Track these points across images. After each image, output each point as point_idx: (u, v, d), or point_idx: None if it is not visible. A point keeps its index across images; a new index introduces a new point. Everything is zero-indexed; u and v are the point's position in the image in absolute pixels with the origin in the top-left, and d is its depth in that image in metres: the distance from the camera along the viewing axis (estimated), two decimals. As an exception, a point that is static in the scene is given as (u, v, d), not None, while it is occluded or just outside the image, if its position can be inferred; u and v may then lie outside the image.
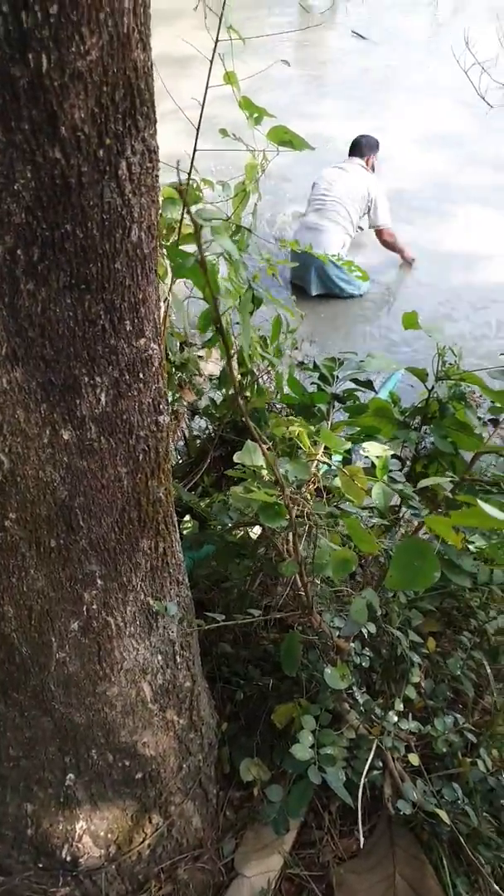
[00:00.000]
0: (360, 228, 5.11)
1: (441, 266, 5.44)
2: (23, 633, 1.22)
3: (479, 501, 0.77)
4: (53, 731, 1.35)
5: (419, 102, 7.57)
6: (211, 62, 1.57)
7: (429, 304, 5.09)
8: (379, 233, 5.15)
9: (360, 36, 9.01)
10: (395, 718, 1.47)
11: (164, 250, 1.81)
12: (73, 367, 0.99)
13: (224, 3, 1.57)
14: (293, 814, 1.44)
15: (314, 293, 5.08)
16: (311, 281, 5.02)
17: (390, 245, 5.22)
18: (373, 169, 5.22)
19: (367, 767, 1.42)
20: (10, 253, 0.87)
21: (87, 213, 0.88)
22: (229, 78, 1.63)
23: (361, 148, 5.16)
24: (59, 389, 1.00)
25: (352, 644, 1.46)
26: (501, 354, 1.63)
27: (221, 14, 1.58)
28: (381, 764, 1.53)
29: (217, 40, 1.55)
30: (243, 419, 2.45)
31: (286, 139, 1.73)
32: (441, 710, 1.65)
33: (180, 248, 1.11)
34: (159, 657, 1.34)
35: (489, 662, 1.85)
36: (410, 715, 1.57)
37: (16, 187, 0.82)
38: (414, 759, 1.51)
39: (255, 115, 1.69)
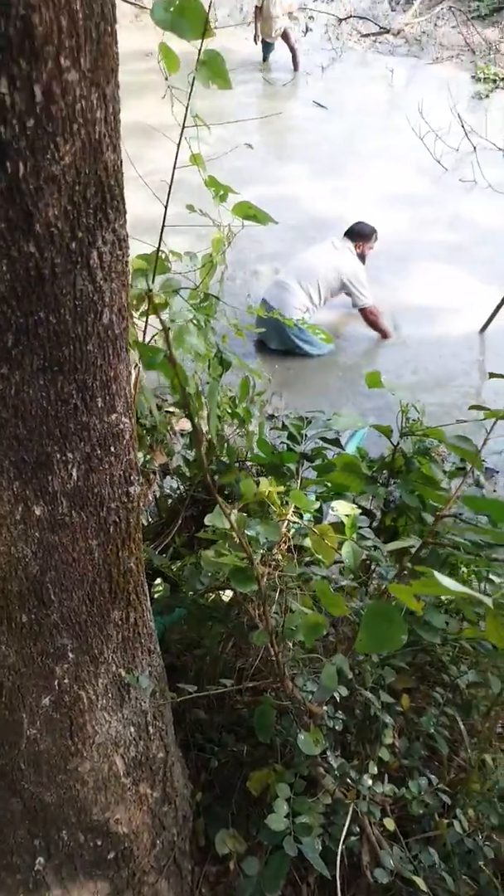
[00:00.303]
0: (325, 300, 5.24)
1: (405, 320, 5.61)
2: (-7, 710, 1.21)
3: (435, 573, 0.81)
4: (23, 813, 1.32)
5: (378, 166, 7.89)
6: (178, 146, 1.65)
7: (394, 359, 5.24)
8: (362, 313, 5.31)
9: (321, 105, 9.40)
10: (370, 782, 1.47)
11: (135, 320, 1.86)
12: (46, 444, 1.01)
13: (191, 87, 1.66)
14: (270, 889, 1.41)
15: (272, 347, 5.24)
16: (271, 337, 5.17)
17: (373, 323, 5.36)
18: (362, 257, 5.34)
19: (343, 834, 1.41)
20: (-16, 340, 0.90)
21: (61, 301, 0.92)
22: (195, 160, 1.71)
23: (353, 233, 5.32)
24: (32, 466, 1.02)
25: (324, 708, 1.47)
26: (470, 408, 1.69)
27: (189, 95, 1.67)
28: (358, 829, 1.52)
29: (184, 126, 1.63)
30: (213, 479, 2.49)
31: (251, 213, 1.81)
32: (416, 770, 1.65)
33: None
34: (132, 729, 1.33)
35: (462, 718, 1.87)
36: (386, 777, 1.57)
37: (-9, 280, 0.86)
38: (389, 823, 1.50)
39: (221, 192, 1.77)
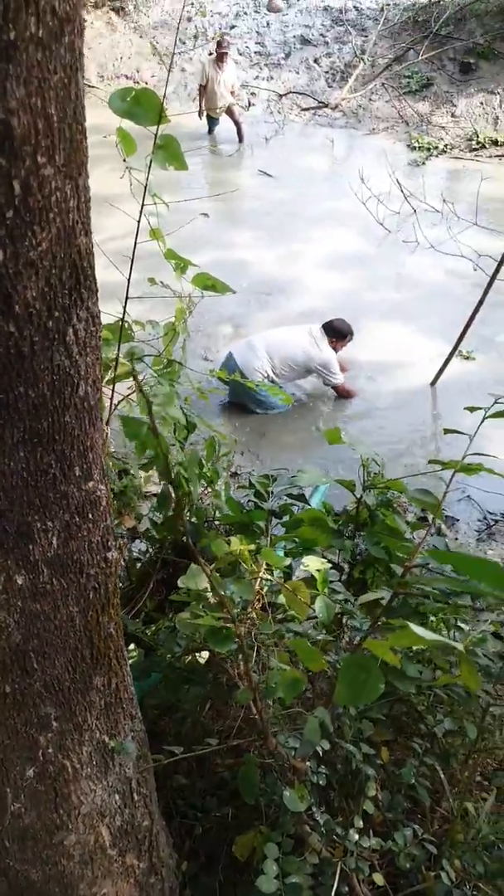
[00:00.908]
0: (283, 377, 5.37)
1: (360, 376, 5.78)
2: (-25, 786, 1.20)
3: (409, 624, 0.84)
4: (7, 894, 1.29)
5: (325, 230, 8.22)
6: (138, 221, 1.73)
7: (356, 411, 5.39)
8: (335, 389, 5.52)
9: (267, 174, 9.80)
10: (357, 836, 1.46)
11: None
12: (27, 514, 1.04)
13: (148, 168, 1.75)
14: None
15: (230, 399, 5.38)
16: (231, 390, 5.32)
17: (345, 395, 5.58)
18: (334, 351, 5.48)
19: (332, 894, 1.40)
20: (-34, 417, 0.94)
21: (39, 376, 0.97)
22: (155, 234, 1.80)
23: (331, 329, 5.45)
24: (13, 536, 1.04)
25: (307, 763, 1.48)
26: (429, 462, 1.77)
27: (147, 176, 1.77)
28: (347, 888, 1.51)
29: (143, 203, 1.72)
30: (185, 540, 2.50)
31: (209, 284, 1.89)
32: (400, 823, 1.65)
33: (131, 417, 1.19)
34: (117, 797, 1.32)
35: (442, 767, 1.88)
36: (371, 831, 1.57)
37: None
38: (379, 878, 1.50)
39: (181, 264, 1.86)
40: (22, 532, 1.04)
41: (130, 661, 2.13)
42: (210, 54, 11.25)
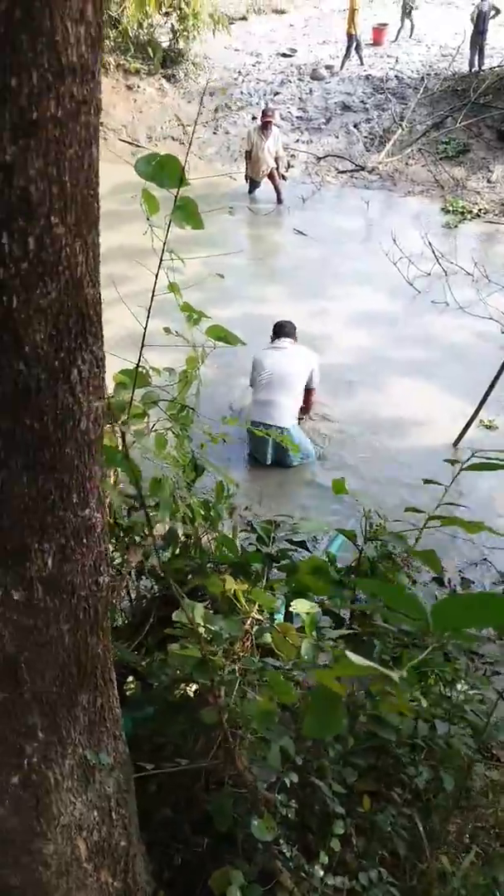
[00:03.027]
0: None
1: (382, 433, 5.86)
2: (-38, 791, 1.27)
3: (347, 653, 0.90)
4: (-14, 898, 1.34)
5: (355, 289, 8.41)
6: (156, 276, 1.86)
7: (370, 468, 5.44)
8: (310, 392, 5.66)
9: (302, 233, 10.11)
10: (321, 873, 1.49)
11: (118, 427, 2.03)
12: (26, 534, 1.14)
13: (167, 227, 1.90)
14: None
15: (268, 463, 5.46)
16: (267, 453, 5.42)
17: (310, 402, 5.75)
18: None
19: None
20: (-25, 443, 1.05)
21: (44, 410, 1.08)
22: (172, 288, 1.94)
23: (288, 329, 5.72)
24: (13, 554, 1.14)
25: (277, 796, 1.52)
26: (406, 510, 1.85)
27: (166, 233, 1.92)
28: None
29: (161, 259, 1.86)
30: (188, 577, 2.58)
31: (222, 335, 2.02)
32: (374, 870, 1.66)
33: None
34: (95, 813, 1.38)
35: (423, 822, 1.88)
36: (338, 873, 1.59)
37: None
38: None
39: (195, 316, 1.99)
40: (20, 551, 1.14)
41: (128, 693, 2.20)
42: (254, 119, 11.74)
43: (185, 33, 14.08)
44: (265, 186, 11.18)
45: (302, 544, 2.41)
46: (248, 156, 10.83)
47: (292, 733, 1.55)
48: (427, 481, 1.77)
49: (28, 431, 1.08)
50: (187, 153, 2.22)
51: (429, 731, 1.84)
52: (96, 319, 1.13)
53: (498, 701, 2.05)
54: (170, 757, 2.01)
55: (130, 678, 2.29)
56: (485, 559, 4.73)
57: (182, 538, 2.50)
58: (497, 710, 2.07)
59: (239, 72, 14.66)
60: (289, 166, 12.30)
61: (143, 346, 1.99)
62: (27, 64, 0.88)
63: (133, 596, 2.75)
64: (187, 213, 1.81)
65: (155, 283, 1.81)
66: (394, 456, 5.62)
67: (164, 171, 1.70)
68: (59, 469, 1.14)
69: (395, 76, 14.25)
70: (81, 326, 1.09)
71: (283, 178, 11.29)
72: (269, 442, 5.25)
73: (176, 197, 1.80)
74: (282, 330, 5.73)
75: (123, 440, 0.93)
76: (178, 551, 2.47)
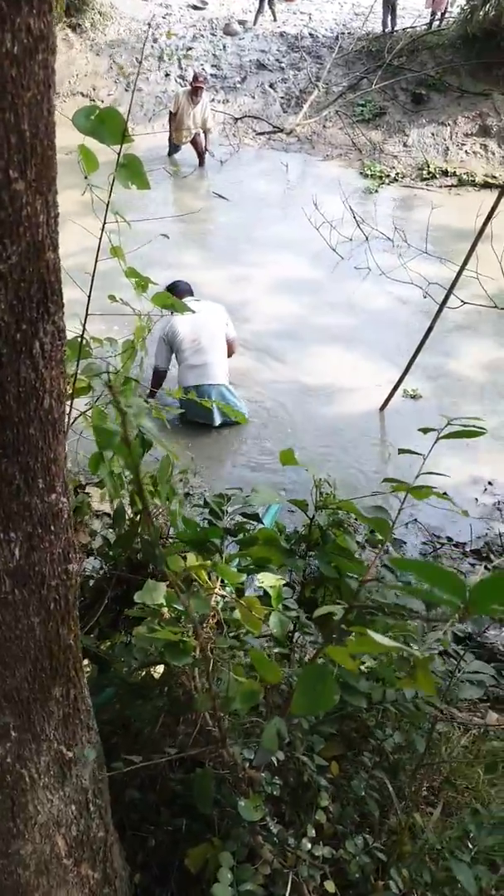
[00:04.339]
0: None
1: (310, 399, 5.88)
2: None
3: (368, 631, 0.88)
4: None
5: (276, 254, 8.34)
6: (100, 240, 1.75)
7: (304, 436, 5.45)
8: (232, 342, 5.64)
9: (222, 196, 9.93)
10: (309, 846, 1.49)
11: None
12: (-11, 524, 1.05)
13: (111, 187, 1.78)
14: None
15: (217, 423, 5.40)
16: (214, 414, 5.34)
17: (233, 351, 5.74)
18: None
19: (284, 903, 1.42)
20: None
21: (6, 387, 0.98)
22: (116, 252, 1.83)
23: (185, 286, 5.70)
24: (-25, 547, 1.04)
25: (262, 774, 1.50)
26: (383, 481, 1.84)
27: (109, 194, 1.80)
28: (297, 898, 1.53)
29: (104, 222, 1.75)
30: (138, 557, 2.51)
31: (168, 303, 1.93)
32: (350, 834, 1.68)
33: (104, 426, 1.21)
34: (73, 807, 1.32)
35: (390, 781, 1.92)
36: (321, 842, 1.60)
37: None
38: (330, 886, 1.52)
39: (142, 283, 1.89)
40: (-16, 542, 1.05)
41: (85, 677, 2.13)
42: (176, 79, 11.34)
43: (89, -23, 13.40)
44: (185, 148, 10.89)
45: (256, 517, 2.37)
46: (172, 118, 10.48)
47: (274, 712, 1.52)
48: (403, 451, 1.76)
49: (-11, 412, 0.98)
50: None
51: (395, 694, 1.86)
52: (58, 287, 1.03)
53: (461, 662, 2.09)
54: (134, 736, 1.96)
55: (86, 661, 2.21)
56: (415, 519, 4.86)
57: (130, 515, 2.42)
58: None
59: (148, 24, 14.10)
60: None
61: (87, 314, 1.89)
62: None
63: (79, 577, 2.66)
64: (132, 171, 1.70)
65: (99, 246, 1.71)
66: (328, 423, 5.65)
67: (104, 125, 1.58)
68: (22, 452, 1.05)
69: (310, 34, 14.06)
70: (43, 295, 0.99)
71: (210, 151, 10.98)
72: (213, 404, 5.18)
73: (119, 154, 1.68)
74: (182, 289, 5.61)
75: (124, 420, 0.85)
76: (127, 529, 2.39)
